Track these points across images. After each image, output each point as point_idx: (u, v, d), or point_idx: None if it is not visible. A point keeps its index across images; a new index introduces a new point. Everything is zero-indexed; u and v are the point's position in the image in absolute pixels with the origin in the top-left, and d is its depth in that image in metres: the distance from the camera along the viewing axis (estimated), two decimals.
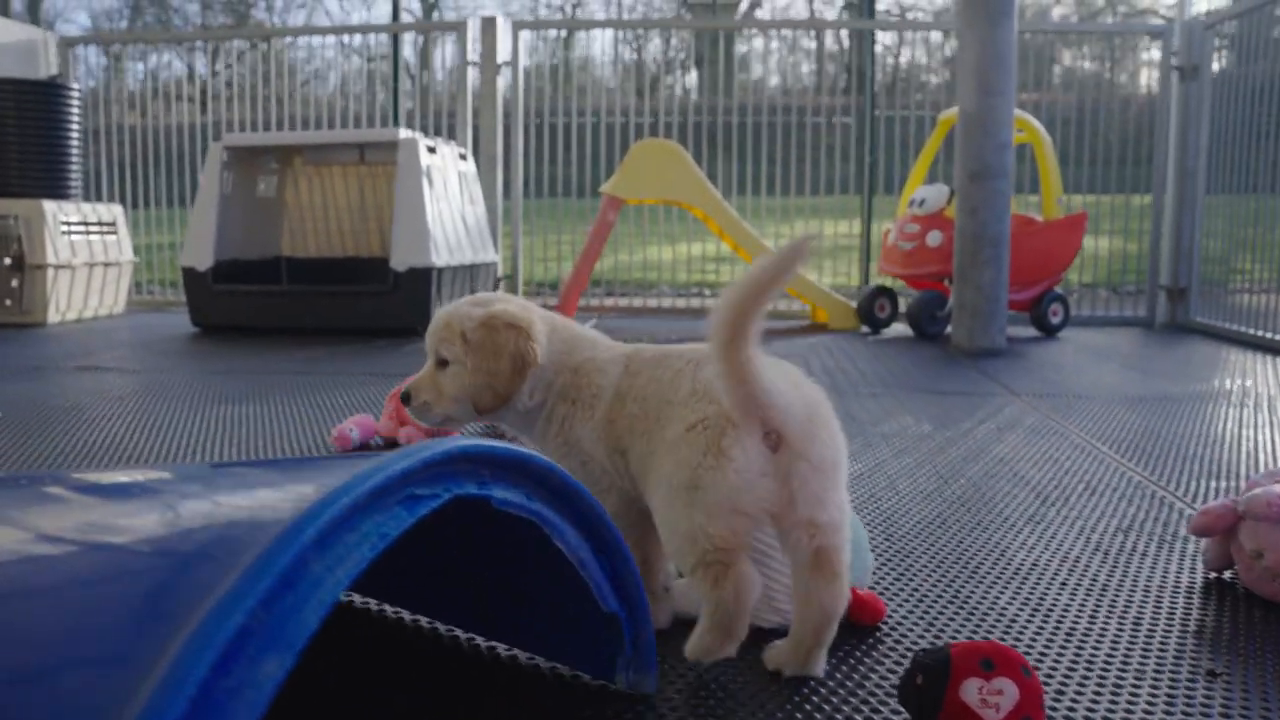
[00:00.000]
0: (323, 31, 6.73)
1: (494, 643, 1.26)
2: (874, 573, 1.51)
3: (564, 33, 7.00)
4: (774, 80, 6.94)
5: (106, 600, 0.65)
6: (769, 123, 6.29)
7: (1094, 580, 1.51)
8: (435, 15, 15.27)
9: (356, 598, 1.43)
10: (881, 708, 1.11)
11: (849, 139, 6.46)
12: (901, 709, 1.08)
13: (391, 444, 2.30)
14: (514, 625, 1.24)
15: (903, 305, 4.99)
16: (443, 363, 1.40)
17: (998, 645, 1.05)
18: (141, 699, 0.52)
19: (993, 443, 2.47)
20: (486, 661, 1.22)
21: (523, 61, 6.02)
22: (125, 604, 0.63)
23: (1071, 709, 1.10)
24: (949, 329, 4.41)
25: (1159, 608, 1.40)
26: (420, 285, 4.64)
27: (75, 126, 5.66)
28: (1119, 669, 1.20)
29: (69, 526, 0.79)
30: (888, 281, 5.27)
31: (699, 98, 6.67)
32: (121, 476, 1.03)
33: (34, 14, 12.69)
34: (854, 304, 5.06)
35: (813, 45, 6.99)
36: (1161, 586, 1.48)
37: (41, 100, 5.51)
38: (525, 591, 1.17)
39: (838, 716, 1.08)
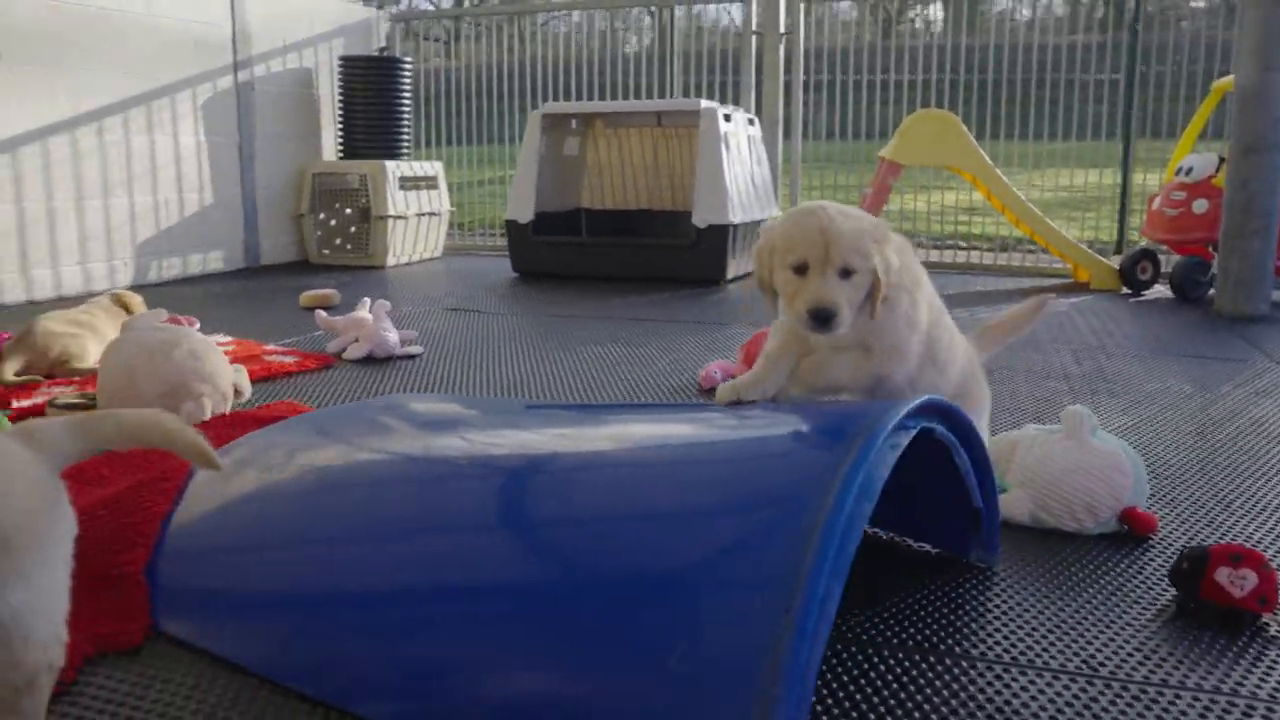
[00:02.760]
0: (609, 6, 7.42)
1: (874, 529, 1.86)
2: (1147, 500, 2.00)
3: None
4: (1024, 13, 7.02)
5: (767, 466, 1.29)
6: (1022, 61, 6.40)
7: None
8: None
9: None
10: (1155, 589, 1.63)
11: (1106, 78, 6.45)
12: (1171, 587, 1.59)
13: None
14: (884, 517, 1.83)
15: (1165, 267, 5.17)
16: (847, 273, 1.59)
17: (1246, 547, 1.54)
18: (822, 518, 1.12)
19: (1250, 405, 2.83)
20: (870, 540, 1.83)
21: (802, 28, 6.49)
22: (792, 465, 1.26)
23: None
24: (1211, 293, 4.62)
25: None
26: (718, 240, 5.30)
27: (408, 94, 6.64)
28: None
29: (717, 427, 1.44)
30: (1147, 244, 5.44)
31: (944, 35, 6.81)
32: (701, 410, 1.68)
33: None
34: (1116, 264, 5.29)
35: None
36: None
37: (383, 73, 6.50)
38: (903, 494, 1.75)
39: (1124, 589, 1.62)
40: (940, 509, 1.66)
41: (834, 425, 1.32)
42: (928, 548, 1.78)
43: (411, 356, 3.40)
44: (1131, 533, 1.82)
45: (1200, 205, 4.78)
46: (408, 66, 6.63)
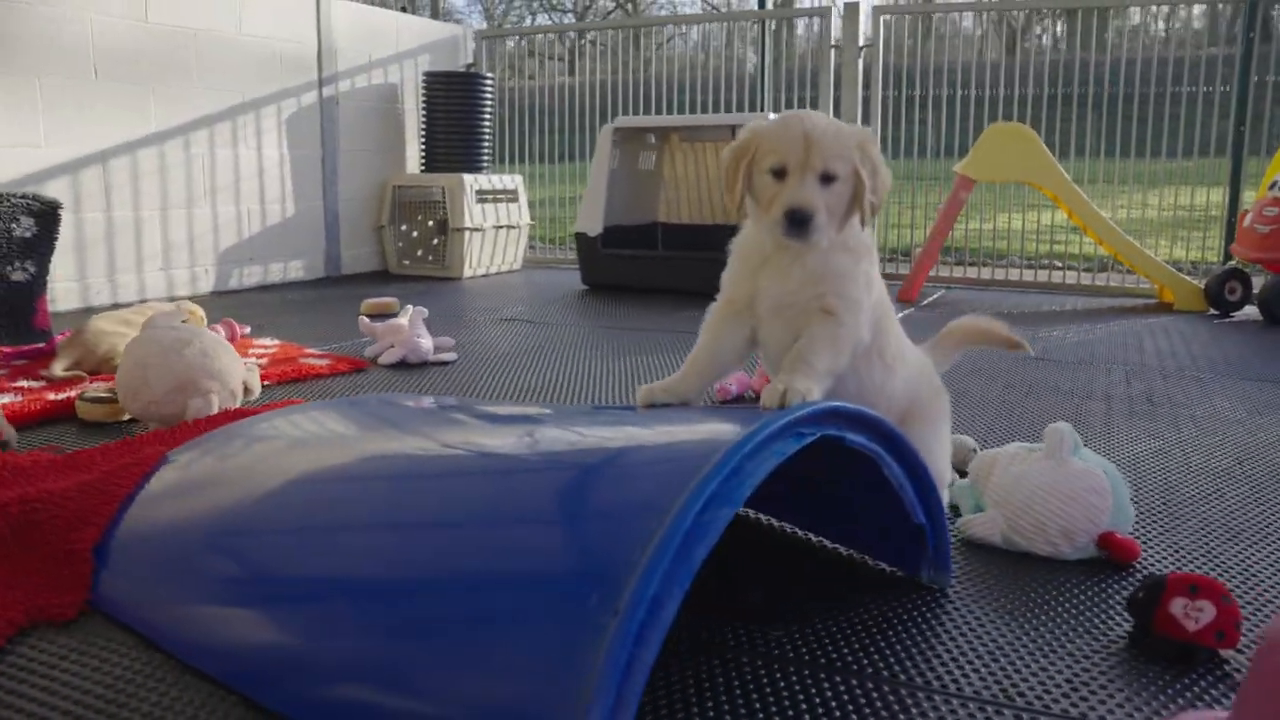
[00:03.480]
0: (694, 20, 7.42)
1: (836, 544, 1.80)
2: (1136, 524, 1.87)
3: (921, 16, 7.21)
4: (1159, 25, 6.68)
5: (631, 471, 1.25)
6: (1156, 75, 6.09)
7: None
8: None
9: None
10: (1113, 620, 1.52)
11: (1220, 95, 6.09)
12: (1131, 617, 1.49)
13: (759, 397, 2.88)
14: (844, 533, 1.76)
15: (1256, 288, 4.88)
16: (828, 179, 1.56)
17: (1206, 577, 1.43)
18: (666, 522, 1.09)
19: None
20: (824, 555, 1.76)
21: (881, 42, 6.36)
22: (645, 475, 1.23)
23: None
24: None
25: None
26: None
27: (489, 109, 6.77)
28: None
29: (587, 433, 1.42)
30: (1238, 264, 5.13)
31: (1069, 50, 6.54)
32: (603, 414, 1.66)
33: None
34: (1201, 284, 5.01)
35: None
36: None
37: (465, 89, 6.64)
38: (853, 509, 1.69)
39: (1079, 618, 1.52)
40: (883, 525, 1.59)
41: (716, 431, 1.27)
42: (884, 566, 1.71)
43: (444, 363, 3.45)
44: (1111, 560, 1.72)
45: None
46: (489, 82, 6.76)
